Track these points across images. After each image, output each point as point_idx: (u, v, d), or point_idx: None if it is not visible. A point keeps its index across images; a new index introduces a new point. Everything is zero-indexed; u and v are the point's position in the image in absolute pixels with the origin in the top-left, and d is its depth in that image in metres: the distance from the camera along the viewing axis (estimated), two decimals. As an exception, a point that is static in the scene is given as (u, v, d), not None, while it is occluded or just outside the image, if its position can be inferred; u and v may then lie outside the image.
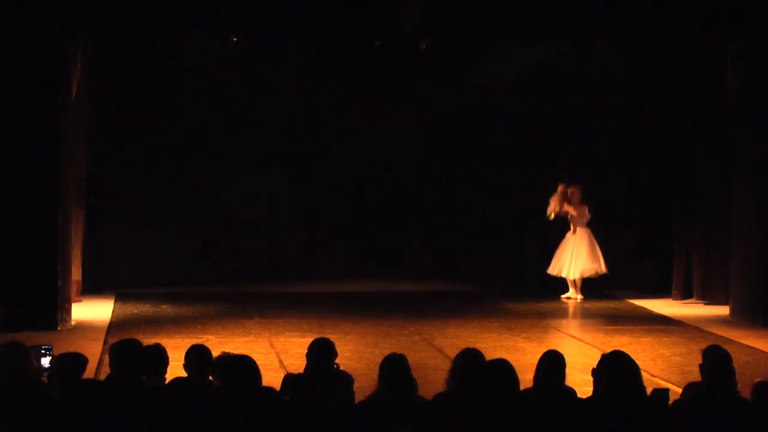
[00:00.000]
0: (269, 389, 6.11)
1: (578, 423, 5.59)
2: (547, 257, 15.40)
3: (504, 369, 5.90)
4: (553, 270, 15.30)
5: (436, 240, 16.94)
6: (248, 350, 9.98)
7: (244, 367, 5.98)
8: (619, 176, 16.02)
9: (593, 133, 16.07)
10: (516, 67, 15.80)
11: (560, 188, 15.19)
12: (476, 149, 16.62)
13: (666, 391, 5.93)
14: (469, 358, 6.15)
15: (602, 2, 12.98)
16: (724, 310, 13.89)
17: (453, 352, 10.47)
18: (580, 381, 6.06)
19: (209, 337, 11.63)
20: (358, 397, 6.43)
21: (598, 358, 5.83)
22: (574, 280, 15.18)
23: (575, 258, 15.12)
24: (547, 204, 15.18)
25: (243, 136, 16.08)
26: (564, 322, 13.83)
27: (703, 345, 6.42)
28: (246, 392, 5.82)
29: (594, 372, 5.72)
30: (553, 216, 15.18)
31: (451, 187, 16.87)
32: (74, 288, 13.57)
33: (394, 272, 16.77)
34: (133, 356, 6.34)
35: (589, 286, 15.23)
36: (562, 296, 15.17)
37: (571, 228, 15.20)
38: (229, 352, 6.96)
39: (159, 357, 6.76)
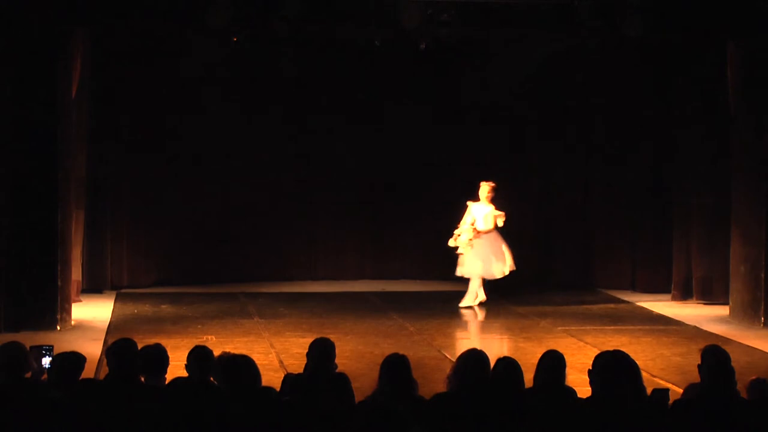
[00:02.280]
0: (269, 389, 6.11)
1: (578, 423, 5.59)
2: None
3: (511, 366, 5.92)
4: (489, 273, 14.25)
5: (437, 240, 16.90)
6: (248, 350, 9.98)
7: (244, 367, 5.99)
8: (619, 176, 16.00)
9: (593, 133, 16.05)
10: (516, 67, 15.78)
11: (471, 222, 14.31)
12: (476, 149, 16.58)
13: (666, 391, 5.94)
14: (476, 360, 6.13)
15: (602, 2, 12.97)
16: (724, 310, 13.88)
17: (453, 352, 10.51)
18: (580, 381, 6.05)
19: (209, 337, 11.63)
20: (358, 397, 6.43)
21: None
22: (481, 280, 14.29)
23: (498, 256, 14.34)
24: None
25: (243, 136, 16.06)
26: (564, 322, 13.82)
27: (703, 345, 6.41)
28: (246, 392, 5.82)
29: (590, 372, 5.72)
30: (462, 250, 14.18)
31: (452, 187, 16.82)
32: (74, 288, 13.56)
33: (394, 272, 16.75)
34: (130, 356, 6.34)
35: (589, 286, 15.21)
36: (475, 305, 14.17)
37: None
38: (229, 352, 6.97)
39: (159, 357, 6.75)
